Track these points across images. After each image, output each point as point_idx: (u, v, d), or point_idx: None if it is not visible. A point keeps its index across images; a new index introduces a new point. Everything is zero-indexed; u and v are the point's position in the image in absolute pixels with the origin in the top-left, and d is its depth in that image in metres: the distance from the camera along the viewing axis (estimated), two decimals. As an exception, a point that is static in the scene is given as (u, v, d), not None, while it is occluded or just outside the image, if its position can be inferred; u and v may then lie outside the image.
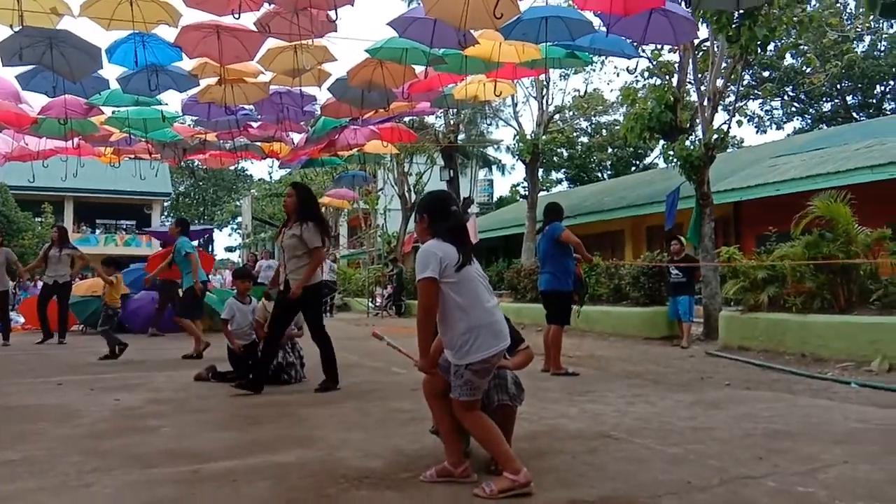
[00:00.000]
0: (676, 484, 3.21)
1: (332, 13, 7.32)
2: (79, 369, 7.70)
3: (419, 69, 8.94)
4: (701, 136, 11.12)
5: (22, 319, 14.34)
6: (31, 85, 9.12)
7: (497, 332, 3.19)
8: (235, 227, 53.83)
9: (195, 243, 11.56)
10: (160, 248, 14.07)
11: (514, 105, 22.20)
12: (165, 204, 45.80)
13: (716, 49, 11.05)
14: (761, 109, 32.49)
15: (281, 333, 6.13)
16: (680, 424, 4.54)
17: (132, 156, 13.59)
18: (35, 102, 10.57)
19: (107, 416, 4.97)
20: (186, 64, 8.90)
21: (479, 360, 3.12)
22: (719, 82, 11.22)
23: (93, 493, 3.17)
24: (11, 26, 7.22)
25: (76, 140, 11.71)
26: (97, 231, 38.20)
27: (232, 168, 36.58)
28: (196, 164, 15.80)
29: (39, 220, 30.80)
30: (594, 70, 24.66)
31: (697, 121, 11.49)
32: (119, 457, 3.79)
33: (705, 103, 11.07)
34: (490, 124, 27.86)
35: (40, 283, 13.90)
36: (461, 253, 3.18)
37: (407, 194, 25.36)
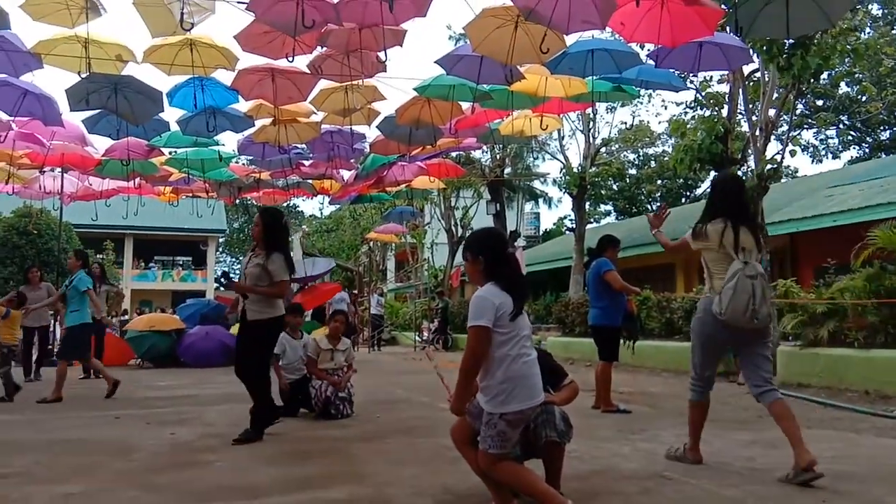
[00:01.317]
0: (735, 528, 3.10)
1: (381, 54, 7.51)
2: (135, 403, 7.89)
3: (466, 105, 9.08)
4: (753, 167, 10.93)
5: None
6: (97, 128, 9.60)
7: (534, 386, 3.17)
8: (287, 262, 54.87)
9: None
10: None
11: (561, 138, 22.23)
12: (220, 240, 47.09)
13: (766, 79, 10.91)
14: (816, 139, 31.72)
15: (255, 371, 5.60)
16: (737, 465, 4.39)
17: (190, 194, 14.09)
18: (99, 145, 11.09)
19: (163, 449, 5.08)
20: (242, 106, 9.25)
21: (515, 410, 3.09)
22: (771, 112, 11.05)
23: (149, 527, 3.24)
24: (79, 72, 7.63)
25: (137, 180, 12.20)
26: (154, 266, 39.39)
27: (284, 205, 37.44)
28: (250, 201, 16.20)
29: (101, 256, 31.97)
30: (641, 103, 24.60)
31: (749, 151, 11.31)
32: (175, 492, 3.86)
33: (757, 133, 10.89)
34: (536, 158, 27.92)
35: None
36: (517, 303, 3.17)
37: (454, 228, 25.49)
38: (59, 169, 11.83)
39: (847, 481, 3.89)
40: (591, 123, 20.17)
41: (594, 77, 7.92)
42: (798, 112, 20.74)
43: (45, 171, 12.14)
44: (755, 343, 4.26)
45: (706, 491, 3.75)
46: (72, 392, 9.18)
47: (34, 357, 11.19)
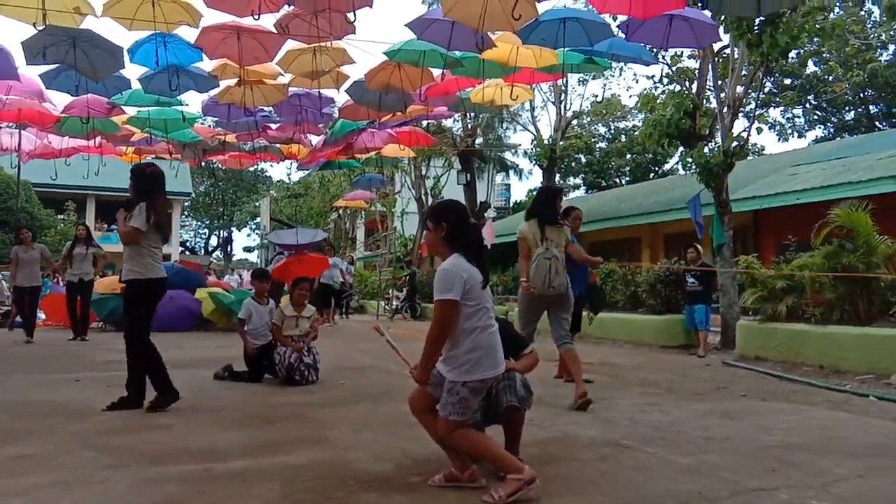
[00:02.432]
0: (686, 494, 3.18)
1: (350, 15, 7.35)
2: (97, 366, 7.78)
3: (436, 72, 8.97)
4: (720, 143, 11.04)
5: (42, 316, 14.54)
6: (55, 84, 9.26)
7: (497, 357, 3.21)
8: (254, 227, 54.25)
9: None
10: (281, 257, 13.87)
11: (532, 109, 22.21)
12: (186, 204, 46.26)
13: (736, 55, 10.97)
14: (783, 117, 32.20)
15: (136, 334, 5.24)
16: (693, 434, 4.50)
17: (153, 156, 13.74)
18: (58, 101, 10.74)
19: (121, 413, 5.01)
20: (207, 65, 9.01)
21: (479, 379, 3.13)
22: (739, 89, 11.13)
23: (105, 490, 3.21)
24: (35, 24, 7.32)
25: (98, 139, 11.88)
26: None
27: (251, 169, 36.84)
28: (216, 164, 15.97)
29: (62, 217, 31.21)
30: (613, 76, 24.63)
31: (717, 128, 11.41)
32: (132, 454, 3.83)
33: (725, 110, 10.98)
34: (507, 128, 27.88)
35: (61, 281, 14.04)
36: (483, 273, 3.19)
37: (424, 198, 25.39)
38: (15, 125, 11.44)
39: (798, 452, 4.01)
40: (563, 95, 20.15)
41: (565, 49, 7.88)
42: (766, 90, 20.98)
43: (1, 128, 11.76)
44: (558, 307, 5.73)
45: (661, 459, 3.84)
46: (38, 354, 9.03)
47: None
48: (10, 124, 11.51)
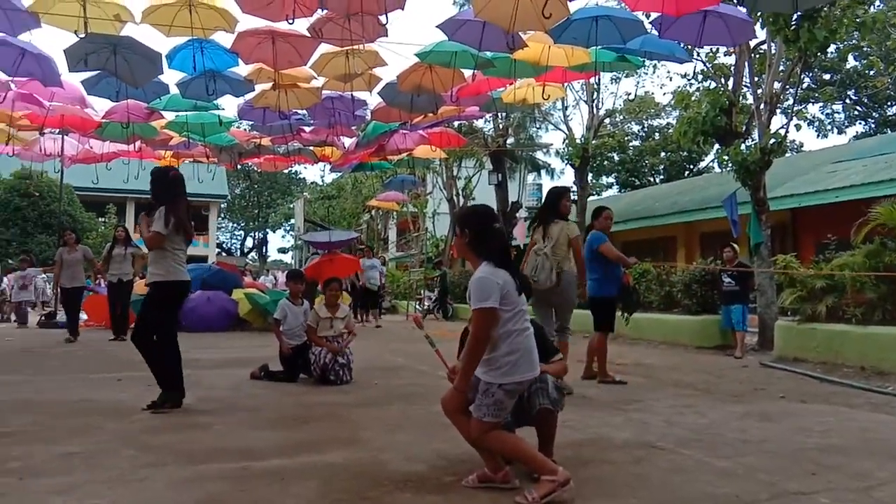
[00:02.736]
0: (724, 497, 3.14)
1: (382, 18, 7.41)
2: (137, 365, 7.95)
3: (468, 73, 8.98)
4: (757, 141, 10.84)
5: (85, 316, 14.93)
6: (96, 90, 9.52)
7: (533, 359, 3.22)
8: (288, 228, 54.87)
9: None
10: (315, 256, 14.17)
11: (564, 108, 22.04)
12: (222, 206, 47.04)
13: (773, 51, 10.77)
14: (822, 113, 31.44)
15: (160, 337, 5.29)
16: (730, 436, 4.43)
17: (190, 159, 14.03)
18: (99, 107, 11.02)
19: (161, 412, 5.12)
20: (242, 69, 9.16)
21: (516, 381, 3.15)
22: (777, 85, 10.93)
23: (146, 487, 3.28)
24: (76, 32, 7.52)
25: (137, 144, 12.16)
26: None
27: (285, 171, 37.31)
28: (251, 167, 16.20)
29: (103, 220, 31.97)
30: (646, 73, 24.34)
31: (754, 124, 11.21)
32: (172, 452, 3.91)
33: (762, 107, 10.79)
34: (539, 128, 27.71)
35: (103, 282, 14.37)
36: (517, 279, 3.21)
37: (455, 198, 25.42)
38: (58, 131, 11.79)
39: (838, 455, 3.94)
40: (595, 94, 19.98)
41: (598, 47, 7.82)
42: (804, 86, 20.55)
43: (45, 133, 12.11)
44: (552, 300, 6.21)
45: (697, 461, 3.79)
46: (78, 354, 9.28)
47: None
48: (54, 130, 11.86)
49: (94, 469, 3.57)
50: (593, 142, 19.27)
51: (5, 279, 17.72)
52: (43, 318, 15.20)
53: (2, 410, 5.09)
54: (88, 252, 11.53)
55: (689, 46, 9.21)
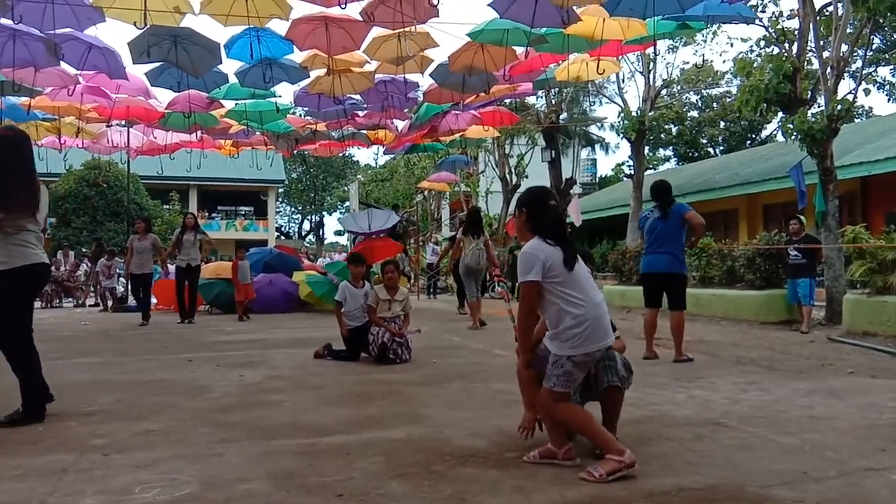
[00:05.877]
0: (789, 474, 3.11)
1: (433, -1, 7.42)
2: (206, 347, 8.29)
3: (520, 50, 8.91)
4: (823, 107, 10.43)
5: (154, 300, 15.55)
6: (158, 81, 9.85)
7: (605, 327, 3.27)
8: (344, 211, 55.60)
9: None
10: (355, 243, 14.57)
11: (619, 81, 21.61)
12: (280, 191, 48.02)
13: (840, 13, 10.30)
14: (893, 76, 29.86)
15: (12, 331, 4.24)
16: (796, 413, 4.36)
17: (249, 147, 14.39)
18: (162, 98, 11.41)
19: (233, 390, 5.35)
20: (297, 56, 9.32)
21: (583, 352, 3.19)
22: (844, 48, 10.46)
23: (223, 462, 3.45)
24: (136, 24, 7.75)
25: (199, 133, 12.52)
26: (218, 217, 40.60)
27: (340, 155, 37.76)
28: (306, 152, 16.54)
29: (167, 207, 33.05)
30: (705, 41, 23.59)
31: (819, 91, 10.77)
32: (245, 429, 4.10)
33: (828, 72, 10.35)
34: (593, 102, 27.26)
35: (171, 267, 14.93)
36: (565, 251, 3.25)
37: (508, 176, 25.28)
38: (125, 123, 12.25)
39: (910, 430, 3.83)
40: (651, 65, 19.51)
41: (656, 17, 7.64)
42: (874, 47, 19.57)
43: (111, 126, 12.59)
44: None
45: (762, 438, 3.75)
46: (152, 337, 9.72)
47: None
48: (120, 122, 12.32)
49: (174, 445, 3.77)
50: (650, 114, 18.85)
51: (83, 266, 18.55)
52: (115, 302, 15.90)
53: (89, 390, 5.40)
54: (157, 241, 11.90)
55: (754, 6, 8.89)
